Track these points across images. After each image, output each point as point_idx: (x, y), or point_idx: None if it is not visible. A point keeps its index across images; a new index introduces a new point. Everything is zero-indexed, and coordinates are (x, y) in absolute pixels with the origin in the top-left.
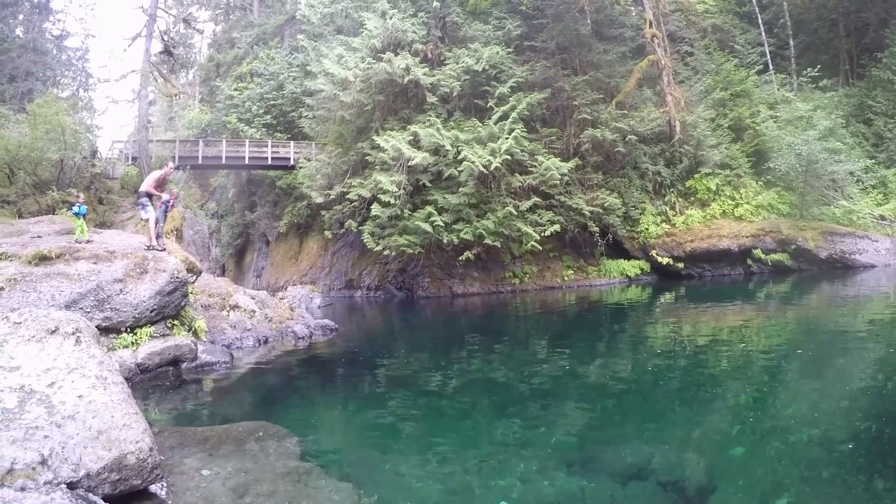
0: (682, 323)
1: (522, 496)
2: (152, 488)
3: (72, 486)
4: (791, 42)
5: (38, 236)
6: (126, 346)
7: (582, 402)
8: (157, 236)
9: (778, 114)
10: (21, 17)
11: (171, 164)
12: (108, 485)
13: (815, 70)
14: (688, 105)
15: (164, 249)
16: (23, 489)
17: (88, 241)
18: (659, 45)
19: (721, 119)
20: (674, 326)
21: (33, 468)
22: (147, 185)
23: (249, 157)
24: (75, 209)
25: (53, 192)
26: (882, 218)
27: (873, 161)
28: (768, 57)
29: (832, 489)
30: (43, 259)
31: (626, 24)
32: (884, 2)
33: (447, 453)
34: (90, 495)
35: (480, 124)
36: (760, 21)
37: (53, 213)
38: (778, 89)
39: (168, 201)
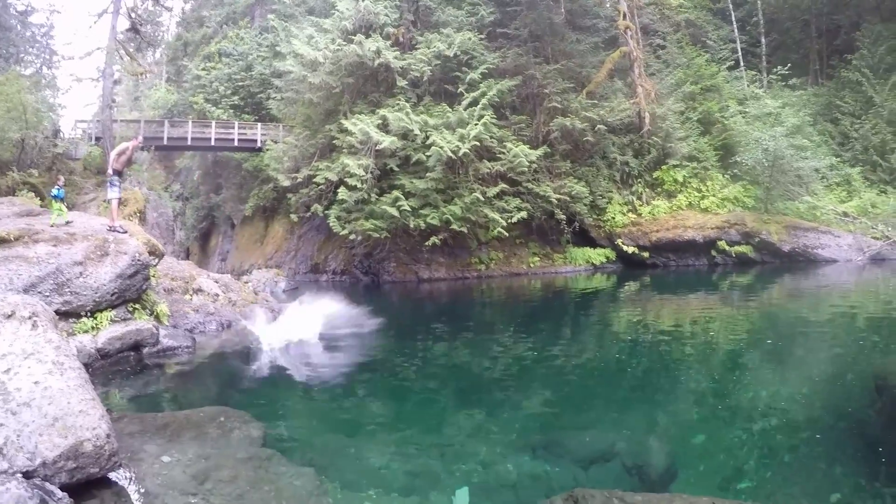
0: (647, 311)
1: (486, 480)
2: (111, 476)
3: (28, 475)
4: (763, 40)
5: None
6: (86, 331)
7: (546, 388)
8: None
9: (747, 109)
10: None
11: (139, 138)
12: (64, 473)
13: (786, 68)
14: (658, 97)
15: (126, 231)
16: None
17: (68, 223)
18: (632, 37)
19: (690, 112)
20: (638, 315)
21: None
22: (112, 161)
23: (216, 139)
24: (54, 191)
25: (14, 172)
26: (845, 215)
27: (838, 159)
28: (740, 54)
29: (791, 474)
30: (1, 241)
31: (599, 15)
32: (857, 6)
33: (411, 438)
34: (47, 484)
35: (450, 110)
36: (734, 18)
37: (13, 195)
38: (748, 85)
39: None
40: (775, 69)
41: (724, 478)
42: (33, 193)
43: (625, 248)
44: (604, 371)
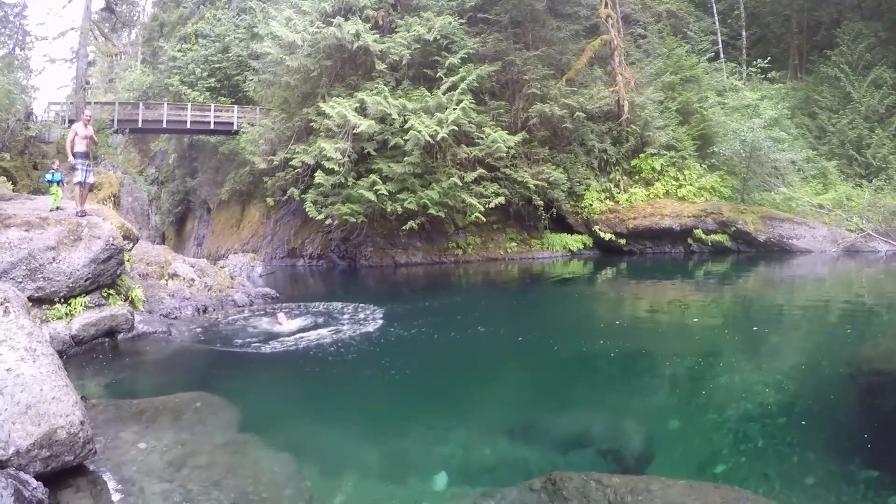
0: (623, 297)
1: (463, 463)
2: (87, 464)
3: (1, 465)
4: (744, 33)
5: None
6: (60, 318)
7: (523, 373)
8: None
9: (725, 101)
10: None
11: (86, 113)
12: (39, 462)
13: (766, 62)
14: (637, 86)
15: (84, 215)
16: None
17: (59, 209)
18: (613, 25)
19: (669, 102)
20: (615, 300)
21: None
22: (70, 146)
23: (191, 122)
24: (48, 176)
25: None
26: (820, 207)
27: (815, 153)
28: (720, 46)
29: (765, 458)
30: None
31: (581, 3)
32: (837, 3)
33: (389, 423)
34: (21, 474)
35: (429, 94)
36: (715, 10)
37: None
38: (727, 77)
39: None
40: (755, 62)
41: (700, 461)
42: (5, 178)
43: (602, 234)
44: (580, 356)
